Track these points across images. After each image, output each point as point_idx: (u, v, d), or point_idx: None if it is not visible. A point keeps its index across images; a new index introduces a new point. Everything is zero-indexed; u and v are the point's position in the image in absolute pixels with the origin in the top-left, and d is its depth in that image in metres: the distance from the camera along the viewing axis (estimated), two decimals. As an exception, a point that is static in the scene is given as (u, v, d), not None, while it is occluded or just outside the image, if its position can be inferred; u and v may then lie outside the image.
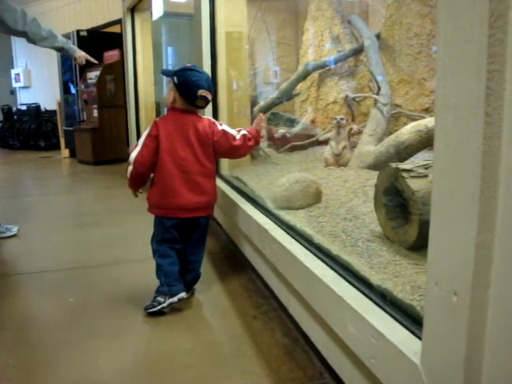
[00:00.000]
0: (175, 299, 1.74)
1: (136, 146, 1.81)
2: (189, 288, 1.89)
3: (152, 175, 1.84)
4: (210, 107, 2.84)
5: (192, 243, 1.88)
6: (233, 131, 1.90)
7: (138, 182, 1.86)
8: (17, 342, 1.60)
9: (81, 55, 3.02)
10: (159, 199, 1.81)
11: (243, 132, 1.90)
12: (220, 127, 1.87)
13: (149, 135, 1.79)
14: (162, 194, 1.80)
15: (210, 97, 1.81)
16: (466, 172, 0.66)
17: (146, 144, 1.78)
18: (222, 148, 1.86)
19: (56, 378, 1.39)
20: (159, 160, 1.78)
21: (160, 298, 1.74)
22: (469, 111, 0.65)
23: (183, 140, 1.79)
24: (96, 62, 3.26)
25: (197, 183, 1.80)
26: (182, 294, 1.76)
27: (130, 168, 1.80)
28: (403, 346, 0.88)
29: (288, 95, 3.87)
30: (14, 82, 10.06)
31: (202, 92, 1.76)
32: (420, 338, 0.84)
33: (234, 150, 1.90)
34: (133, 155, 1.79)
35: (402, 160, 2.17)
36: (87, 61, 3.08)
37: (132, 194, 1.92)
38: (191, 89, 1.77)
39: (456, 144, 0.69)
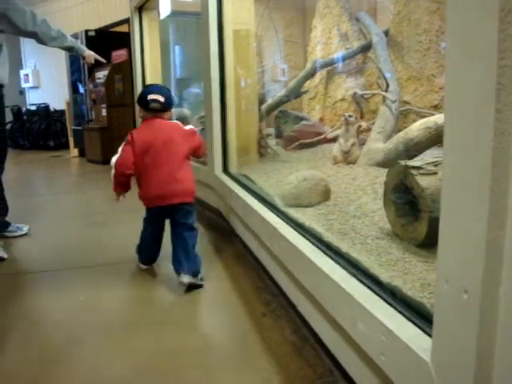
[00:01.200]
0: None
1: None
2: (196, 272, 1.96)
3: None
4: (217, 105, 2.85)
5: (178, 236, 2.02)
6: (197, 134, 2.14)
7: (120, 181, 2.07)
8: (28, 340, 1.62)
9: (90, 54, 3.05)
10: (142, 190, 2.04)
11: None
12: (186, 127, 2.09)
13: (126, 143, 2.03)
14: (142, 185, 2.03)
15: (161, 99, 2.01)
16: (476, 169, 0.66)
17: (124, 149, 2.02)
18: (194, 142, 2.08)
19: (68, 376, 1.40)
20: (135, 159, 1.98)
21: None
22: (479, 107, 0.65)
23: (155, 137, 1.99)
24: (104, 61, 3.28)
25: (170, 174, 1.98)
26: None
27: (113, 171, 2.06)
28: (413, 343, 0.88)
29: (296, 93, 3.86)
30: (23, 82, 10.14)
31: (151, 96, 2.00)
32: (430, 336, 0.84)
33: (199, 148, 2.12)
34: (113, 160, 2.05)
35: (411, 157, 2.15)
36: (96, 60, 3.11)
37: (115, 196, 2.13)
38: (144, 96, 2.02)
39: (466, 141, 0.68)
